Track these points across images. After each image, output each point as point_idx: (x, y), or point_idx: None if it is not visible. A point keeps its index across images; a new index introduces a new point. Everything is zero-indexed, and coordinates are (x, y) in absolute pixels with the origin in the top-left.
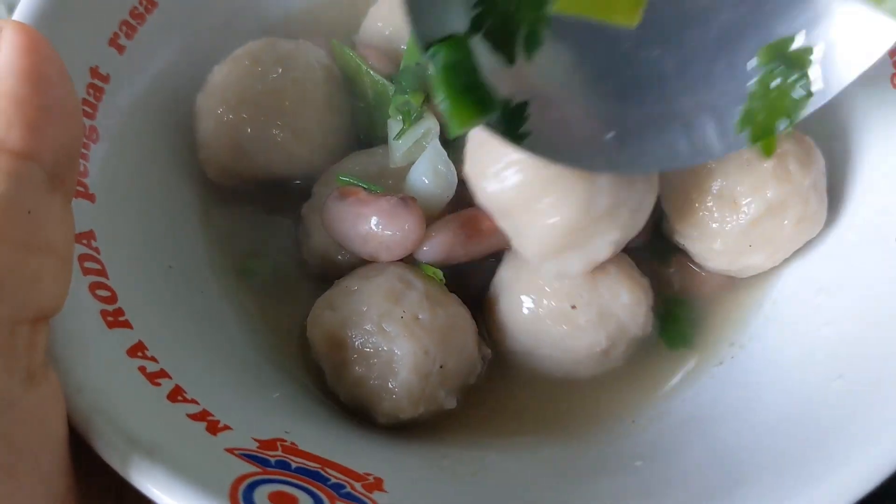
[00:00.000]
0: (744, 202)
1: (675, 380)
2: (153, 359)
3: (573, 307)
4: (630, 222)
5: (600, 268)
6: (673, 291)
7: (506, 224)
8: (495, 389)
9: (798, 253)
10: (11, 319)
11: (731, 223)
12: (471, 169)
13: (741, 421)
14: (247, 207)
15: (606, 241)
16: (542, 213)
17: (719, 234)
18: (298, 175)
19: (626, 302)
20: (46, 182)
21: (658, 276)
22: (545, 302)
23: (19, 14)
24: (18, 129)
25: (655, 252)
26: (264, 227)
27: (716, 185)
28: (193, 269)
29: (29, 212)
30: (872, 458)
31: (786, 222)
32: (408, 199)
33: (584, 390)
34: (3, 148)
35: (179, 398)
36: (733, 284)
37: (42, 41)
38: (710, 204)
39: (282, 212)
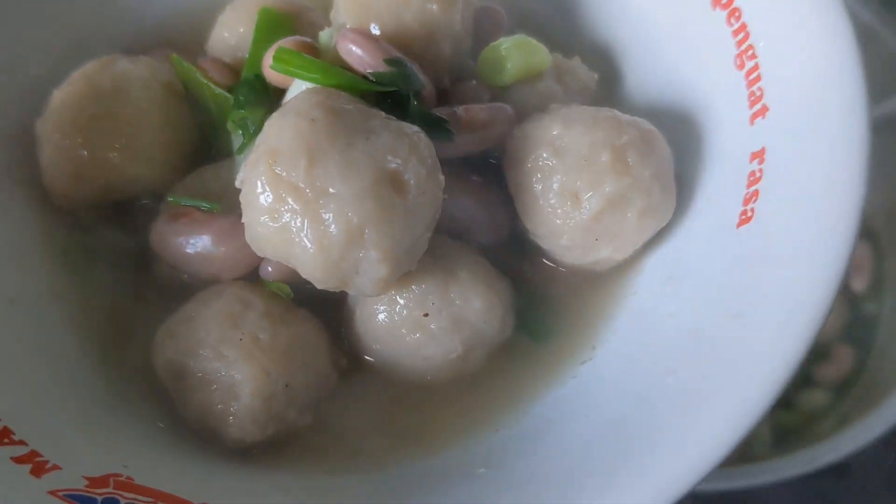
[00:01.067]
0: (584, 197)
1: (538, 383)
2: None
3: (425, 315)
4: (388, 239)
5: (451, 273)
6: (534, 290)
7: (290, 265)
8: (354, 401)
9: (652, 242)
10: None
11: (574, 219)
12: (244, 219)
13: (590, 421)
14: (95, 233)
15: (373, 262)
16: (299, 258)
17: (565, 231)
18: (143, 195)
19: (479, 307)
20: None
21: (519, 275)
22: (397, 310)
23: None
24: None
25: (515, 252)
26: (114, 251)
27: (556, 182)
28: (37, 302)
29: None
30: (689, 457)
31: (629, 215)
32: None
33: (445, 398)
34: None
35: (6, 441)
36: (594, 280)
37: None
38: (552, 201)
39: (131, 233)
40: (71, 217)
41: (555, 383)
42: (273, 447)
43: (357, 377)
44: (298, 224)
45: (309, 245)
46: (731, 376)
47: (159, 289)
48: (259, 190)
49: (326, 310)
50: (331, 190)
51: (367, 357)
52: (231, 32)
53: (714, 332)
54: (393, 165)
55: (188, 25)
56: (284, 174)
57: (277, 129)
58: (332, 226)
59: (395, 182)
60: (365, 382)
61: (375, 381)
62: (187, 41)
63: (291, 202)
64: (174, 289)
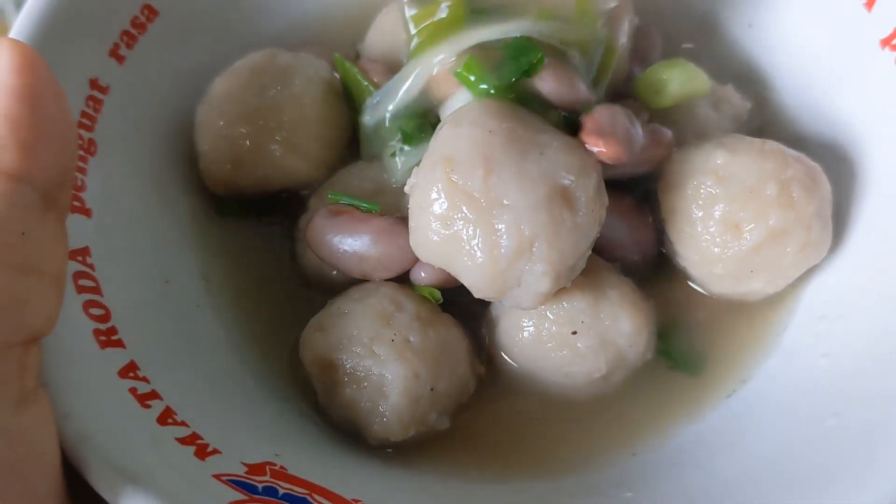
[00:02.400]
0: (746, 228)
1: (680, 411)
2: (145, 379)
3: (574, 333)
4: (556, 253)
5: (601, 292)
6: (678, 315)
7: (452, 272)
8: (490, 411)
9: (805, 279)
10: (3, 341)
11: (732, 248)
12: (412, 223)
13: (736, 455)
14: (245, 220)
15: (537, 275)
16: (465, 265)
17: (720, 259)
18: (297, 187)
19: (627, 329)
20: (40, 203)
21: (662, 298)
22: (546, 326)
23: (21, 23)
24: (12, 151)
25: (659, 274)
26: (262, 240)
27: (718, 210)
28: (189, 285)
29: (23, 233)
30: None
31: (788, 249)
32: (405, 219)
33: (583, 418)
34: None
35: (170, 421)
36: (740, 310)
37: (38, 60)
38: (712, 229)
39: (281, 224)
40: (224, 204)
41: (696, 414)
42: (411, 448)
43: (495, 388)
44: (470, 233)
45: (479, 254)
46: None
47: (306, 282)
48: (434, 196)
49: (468, 317)
50: (505, 201)
51: (506, 368)
52: (388, 36)
53: (879, 380)
54: (566, 181)
55: (344, 20)
56: (461, 182)
57: (454, 138)
58: (504, 236)
59: (566, 198)
60: (502, 394)
61: (513, 394)
62: (340, 40)
63: (466, 210)
64: (320, 284)
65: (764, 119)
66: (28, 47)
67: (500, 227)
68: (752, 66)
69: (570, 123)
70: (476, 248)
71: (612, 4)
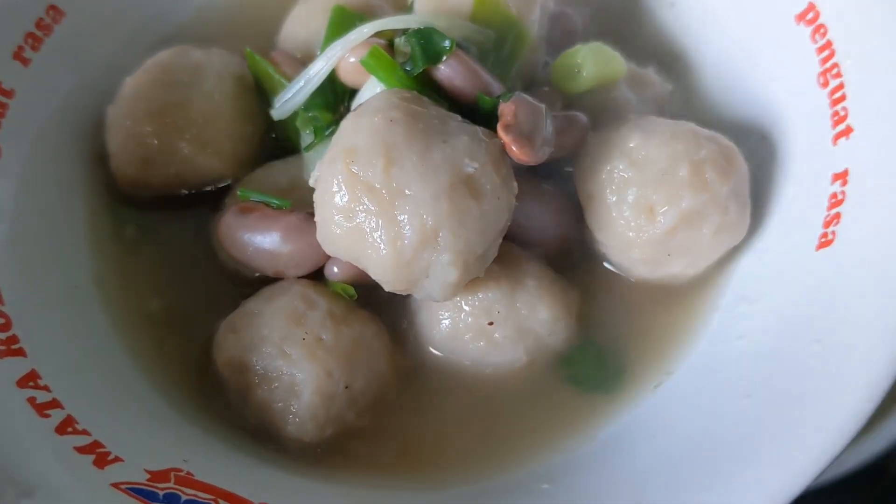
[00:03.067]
0: (660, 211)
1: (609, 403)
2: (45, 388)
3: (490, 323)
4: (462, 242)
5: (517, 281)
6: (601, 302)
7: (359, 266)
8: (414, 408)
9: (725, 261)
10: None
11: (647, 232)
12: (317, 217)
13: (657, 445)
14: (157, 221)
15: (444, 265)
16: (370, 258)
17: (637, 244)
18: (210, 184)
19: (545, 317)
20: None
21: (584, 286)
22: (462, 317)
23: None
24: None
25: (580, 261)
26: (174, 241)
27: (631, 194)
28: (97, 290)
29: None
30: (764, 486)
31: (704, 231)
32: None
33: (508, 412)
34: None
35: (69, 430)
36: (663, 295)
37: None
38: (627, 213)
39: (194, 222)
40: (134, 204)
41: (625, 404)
42: (330, 449)
43: (417, 383)
44: (373, 224)
45: (382, 246)
46: (810, 405)
47: (219, 281)
48: (335, 189)
49: (388, 312)
50: (407, 191)
51: (428, 362)
52: (303, 27)
53: (791, 358)
54: (470, 170)
55: (256, 15)
56: (361, 174)
57: (355, 128)
58: (407, 227)
59: (470, 186)
60: (425, 389)
61: (436, 389)
62: (255, 33)
63: (367, 202)
64: (234, 282)
65: (686, 101)
66: None
67: (402, 217)
68: (675, 46)
69: (474, 112)
70: (379, 240)
71: None
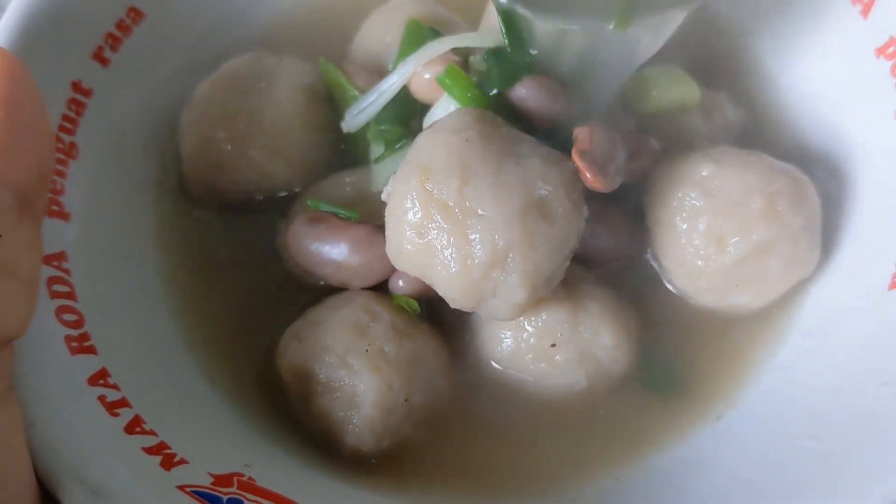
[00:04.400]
0: (730, 241)
1: (664, 434)
2: (115, 386)
3: (552, 345)
4: (531, 264)
5: (581, 305)
6: (664, 329)
7: (427, 282)
8: (470, 425)
9: (792, 295)
10: None
11: (716, 262)
12: (388, 232)
13: (716, 478)
14: (225, 225)
15: (512, 286)
16: (439, 275)
17: (704, 273)
18: (278, 191)
19: (608, 342)
20: (16, 206)
21: (648, 310)
22: (524, 337)
23: (4, 25)
24: None
25: (644, 285)
26: (242, 246)
27: (702, 223)
28: (165, 292)
29: None
30: None
31: (774, 263)
32: (383, 227)
33: (563, 434)
34: None
35: (137, 430)
36: (727, 324)
37: (15, 65)
38: (696, 241)
39: (262, 228)
40: (205, 206)
41: (681, 437)
42: (386, 461)
43: (475, 399)
44: (444, 242)
45: (452, 264)
46: (878, 450)
47: (284, 288)
48: (408, 205)
49: (449, 328)
50: (480, 211)
51: (486, 380)
52: (376, 39)
53: (859, 399)
54: (542, 192)
55: (330, 24)
56: (435, 191)
57: (431, 145)
58: (478, 247)
59: (542, 209)
60: (482, 406)
61: (493, 406)
62: (326, 43)
63: (440, 220)
64: (298, 290)
65: (757, 129)
66: (6, 52)
67: (474, 237)
68: (748, 74)
69: (546, 133)
70: (450, 257)
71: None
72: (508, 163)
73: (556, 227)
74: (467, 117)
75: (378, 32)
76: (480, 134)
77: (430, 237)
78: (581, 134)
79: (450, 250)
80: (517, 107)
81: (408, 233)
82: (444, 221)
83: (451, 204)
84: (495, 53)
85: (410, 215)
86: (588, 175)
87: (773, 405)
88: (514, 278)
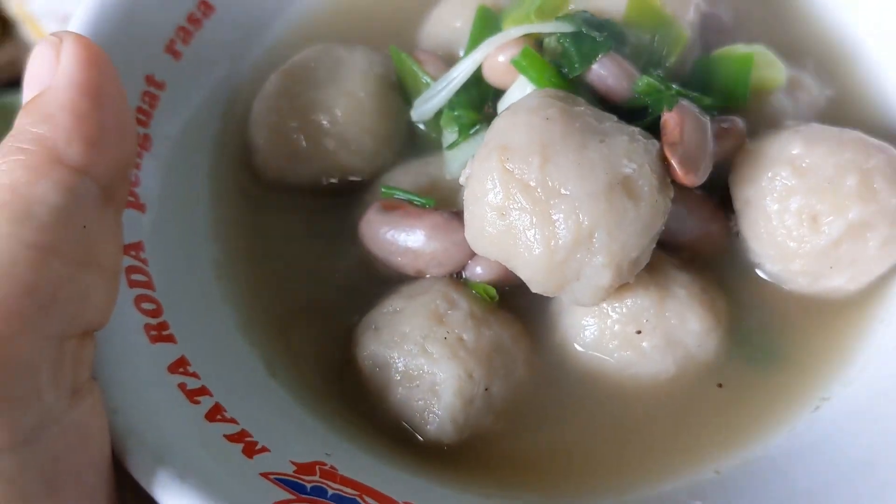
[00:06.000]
0: (825, 221)
1: (764, 422)
2: (195, 374)
3: (638, 332)
4: (618, 244)
5: (667, 290)
6: (753, 315)
7: (509, 266)
8: (552, 415)
9: (887, 276)
10: (61, 334)
11: (810, 243)
12: (467, 215)
13: (823, 465)
14: (297, 215)
15: (597, 267)
16: (521, 258)
17: (797, 255)
18: (351, 175)
19: (696, 329)
20: (100, 197)
21: (737, 296)
22: (608, 324)
23: (79, 19)
24: (77, 144)
25: (731, 270)
26: (314, 235)
27: (794, 203)
28: (240, 281)
29: (84, 227)
30: None
31: (871, 244)
32: (461, 214)
33: (653, 425)
34: (63, 162)
35: (218, 417)
36: (820, 309)
37: (102, 56)
38: (788, 222)
39: (334, 219)
40: (277, 196)
41: (781, 424)
42: (465, 452)
43: (556, 389)
44: (526, 223)
45: (535, 245)
46: None
47: (356, 278)
48: (489, 186)
49: (528, 315)
50: (563, 191)
51: (568, 368)
52: (446, 27)
53: None
54: (628, 170)
55: (398, 11)
56: (516, 171)
57: (510, 125)
58: (562, 227)
59: (628, 187)
60: (564, 396)
61: (576, 396)
62: (397, 31)
63: (522, 200)
64: (371, 279)
65: (844, 107)
66: (92, 42)
67: (557, 217)
68: (833, 50)
69: (626, 115)
70: (533, 239)
71: None
72: (592, 140)
73: (642, 206)
74: (547, 97)
75: (448, 19)
76: (562, 111)
77: (511, 219)
78: (671, 122)
79: (532, 231)
80: (596, 87)
81: (488, 215)
82: (526, 202)
83: (532, 184)
84: (570, 35)
85: (490, 196)
86: (679, 171)
87: (874, 392)
88: (599, 259)
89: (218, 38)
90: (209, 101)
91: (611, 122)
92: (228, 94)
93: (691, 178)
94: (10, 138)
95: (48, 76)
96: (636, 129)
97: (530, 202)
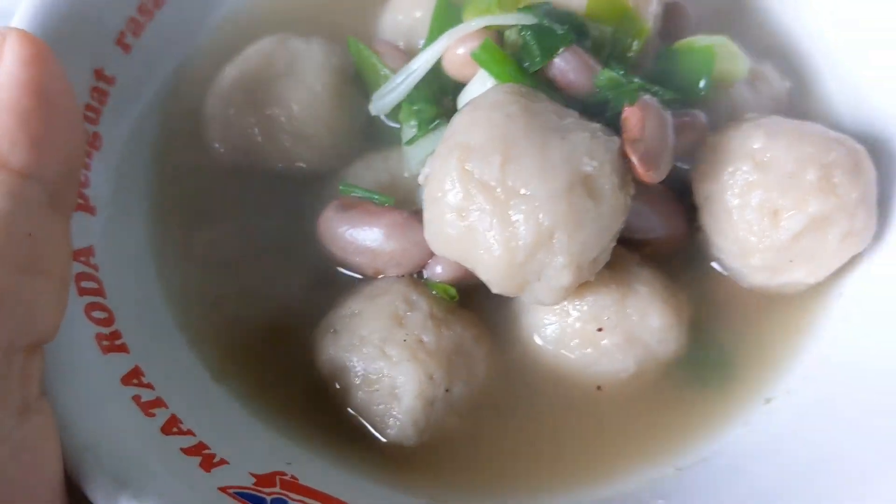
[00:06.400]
0: (785, 216)
1: (719, 418)
2: (149, 385)
3: (599, 329)
4: (578, 245)
5: (628, 287)
6: (711, 309)
7: (468, 266)
8: (514, 414)
9: (847, 268)
10: (6, 347)
11: (770, 238)
12: (426, 215)
13: (779, 461)
14: (255, 215)
15: (558, 268)
16: (481, 259)
17: (758, 249)
18: (309, 176)
19: (656, 325)
20: (47, 201)
21: (695, 291)
22: (569, 322)
23: (24, 11)
24: (21, 146)
25: (691, 263)
26: (271, 234)
27: (755, 198)
28: (192, 284)
29: (29, 234)
30: None
31: (830, 237)
32: (420, 213)
33: (614, 423)
34: (6, 166)
35: (174, 430)
36: (777, 302)
37: (46, 51)
38: (749, 217)
39: (291, 215)
40: (232, 191)
41: (735, 421)
42: (426, 454)
43: (517, 388)
44: (486, 224)
45: (495, 246)
46: None
47: (314, 277)
48: (448, 187)
49: (489, 314)
50: (523, 191)
51: (529, 367)
52: (405, 16)
53: None
54: (588, 169)
55: (355, 2)
56: (476, 171)
57: (470, 123)
58: (522, 227)
59: (589, 186)
60: (525, 394)
61: (537, 394)
62: (354, 21)
63: (481, 201)
64: (330, 279)
65: (803, 100)
66: (36, 38)
67: (517, 217)
68: (791, 42)
69: (590, 110)
70: (493, 240)
71: None
72: (553, 138)
73: (603, 205)
74: (508, 93)
75: (408, 8)
76: (523, 108)
77: (471, 220)
78: (632, 118)
79: (492, 232)
80: (557, 81)
81: (447, 216)
82: (486, 202)
83: (492, 184)
84: (532, 28)
85: (450, 197)
86: (641, 169)
87: (826, 384)
88: (560, 260)
89: (169, 28)
90: (159, 96)
91: (572, 118)
92: (179, 87)
93: (652, 176)
94: None
95: None
96: (597, 126)
97: (490, 203)
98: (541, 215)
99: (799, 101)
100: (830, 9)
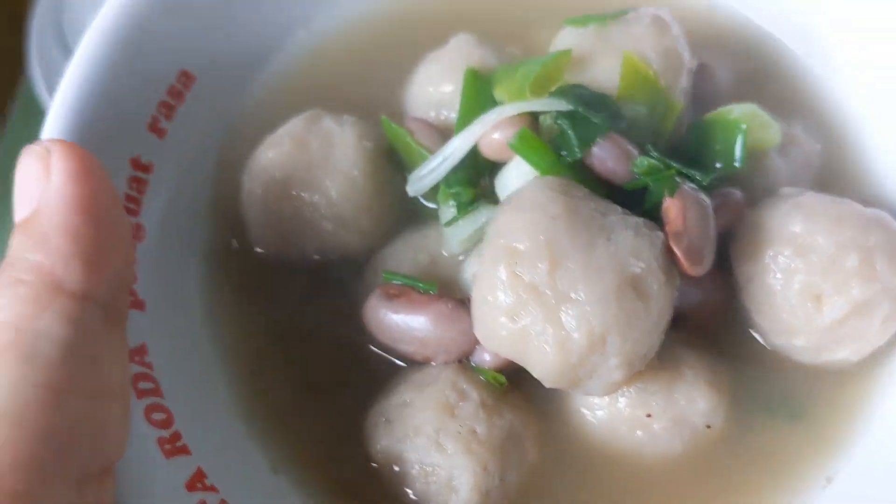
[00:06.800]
0: (828, 300)
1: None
2: (213, 488)
3: (648, 415)
4: (630, 345)
5: (676, 373)
6: (758, 386)
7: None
8: (564, 498)
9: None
10: (81, 477)
11: (814, 321)
12: (477, 314)
13: None
14: (298, 299)
15: (611, 368)
16: (534, 360)
17: (802, 331)
18: (350, 258)
19: (703, 408)
20: (103, 318)
21: (739, 366)
22: (619, 408)
23: (56, 107)
24: (76, 268)
25: (733, 337)
26: (316, 315)
27: (797, 282)
28: (247, 375)
29: (93, 358)
30: None
31: (874, 321)
32: (466, 301)
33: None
34: (64, 290)
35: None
36: (825, 378)
37: (93, 164)
38: (792, 301)
39: (333, 297)
40: (272, 275)
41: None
42: None
43: (567, 471)
44: (539, 328)
45: (548, 349)
46: None
47: (359, 362)
48: (499, 290)
49: (538, 396)
50: (572, 295)
51: (578, 449)
52: (435, 89)
53: None
54: (636, 270)
55: (381, 76)
56: (526, 276)
57: (515, 226)
58: (575, 332)
59: (637, 287)
60: (575, 477)
61: (586, 478)
62: (382, 94)
63: (532, 305)
64: (376, 364)
65: (832, 162)
66: (82, 151)
67: (569, 322)
68: (820, 105)
69: (629, 196)
70: (546, 343)
71: None
72: (598, 238)
73: (651, 303)
74: (549, 190)
75: (436, 81)
76: (566, 209)
77: (523, 323)
78: (673, 209)
79: (545, 336)
80: (595, 168)
81: (500, 319)
82: (537, 307)
83: (542, 288)
84: (567, 116)
85: (501, 300)
86: (685, 263)
87: (885, 464)
88: (613, 361)
89: (201, 108)
90: (198, 179)
91: (615, 214)
92: (215, 170)
93: (697, 270)
94: (6, 267)
95: (39, 193)
96: (640, 221)
97: (541, 307)
98: (592, 320)
99: (830, 167)
100: (853, 72)
